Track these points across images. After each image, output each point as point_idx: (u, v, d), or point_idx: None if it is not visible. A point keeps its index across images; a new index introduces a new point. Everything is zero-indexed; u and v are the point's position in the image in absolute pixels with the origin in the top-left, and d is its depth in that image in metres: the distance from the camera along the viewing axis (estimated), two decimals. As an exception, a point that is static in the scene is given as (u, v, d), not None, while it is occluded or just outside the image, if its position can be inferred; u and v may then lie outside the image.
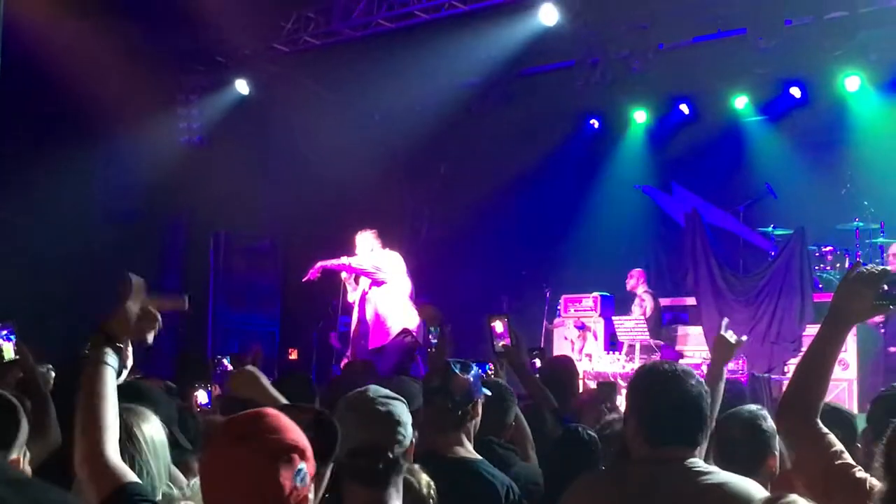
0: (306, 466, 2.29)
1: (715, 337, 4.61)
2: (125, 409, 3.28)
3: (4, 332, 5.66)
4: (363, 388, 3.37)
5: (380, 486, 3.16)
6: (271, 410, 2.37)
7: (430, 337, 7.49)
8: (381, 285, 11.36)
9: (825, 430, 3.03)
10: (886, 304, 2.98)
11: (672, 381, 3.36)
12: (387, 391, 3.36)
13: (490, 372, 5.95)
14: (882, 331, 10.74)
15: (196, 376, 6.92)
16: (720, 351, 4.54)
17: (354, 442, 3.11)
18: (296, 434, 2.31)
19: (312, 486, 2.34)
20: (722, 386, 4.28)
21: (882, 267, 3.02)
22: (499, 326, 5.89)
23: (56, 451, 4.08)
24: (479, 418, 4.21)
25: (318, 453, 2.37)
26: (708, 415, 3.42)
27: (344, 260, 11.39)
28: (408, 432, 3.25)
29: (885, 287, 2.95)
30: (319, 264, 11.46)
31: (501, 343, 5.89)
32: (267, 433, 2.27)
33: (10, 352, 5.57)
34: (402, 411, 3.28)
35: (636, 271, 13.28)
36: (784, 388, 3.22)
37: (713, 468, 3.32)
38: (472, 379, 4.18)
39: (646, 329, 12.36)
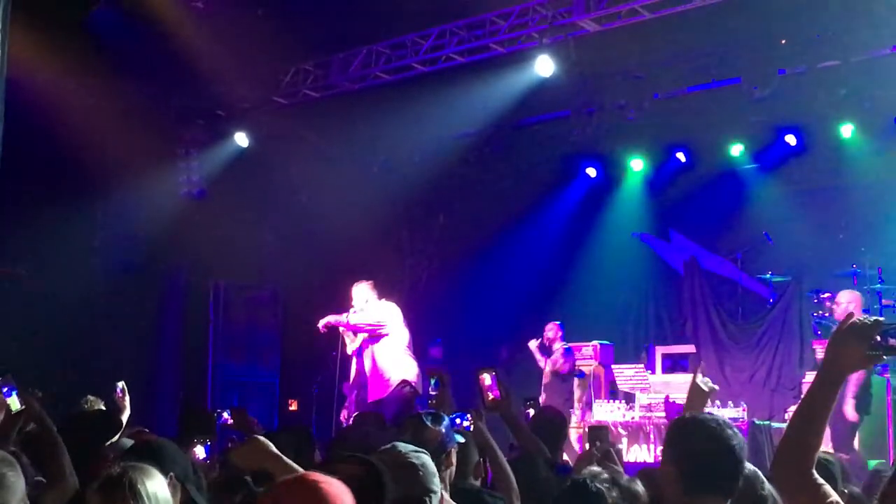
0: None
1: (690, 384, 4.66)
2: (130, 466, 3.31)
3: (5, 389, 5.67)
4: (390, 445, 3.41)
5: None
6: (312, 477, 2.40)
7: (431, 389, 7.51)
8: (380, 339, 11.30)
9: (821, 480, 3.04)
10: (878, 353, 2.99)
11: (713, 431, 3.44)
12: (413, 446, 3.41)
13: (467, 422, 5.96)
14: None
15: (199, 430, 6.90)
16: (694, 398, 4.59)
17: (393, 496, 3.16)
18: (336, 500, 2.34)
19: None
20: None
21: (874, 318, 3.04)
22: (486, 379, 5.89)
23: (74, 497, 4.07)
24: (453, 468, 4.26)
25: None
26: (745, 466, 3.47)
27: (343, 318, 11.33)
28: (437, 481, 3.31)
29: (878, 338, 2.98)
30: (325, 321, 11.40)
31: (491, 396, 5.89)
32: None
33: (16, 404, 5.58)
34: (430, 462, 3.34)
35: (554, 324, 13.24)
36: (778, 443, 3.24)
37: None
38: (443, 430, 4.25)
39: (646, 378, 12.36)
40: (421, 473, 3.27)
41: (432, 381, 6.80)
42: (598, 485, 4.45)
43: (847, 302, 10.79)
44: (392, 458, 3.32)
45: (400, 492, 3.19)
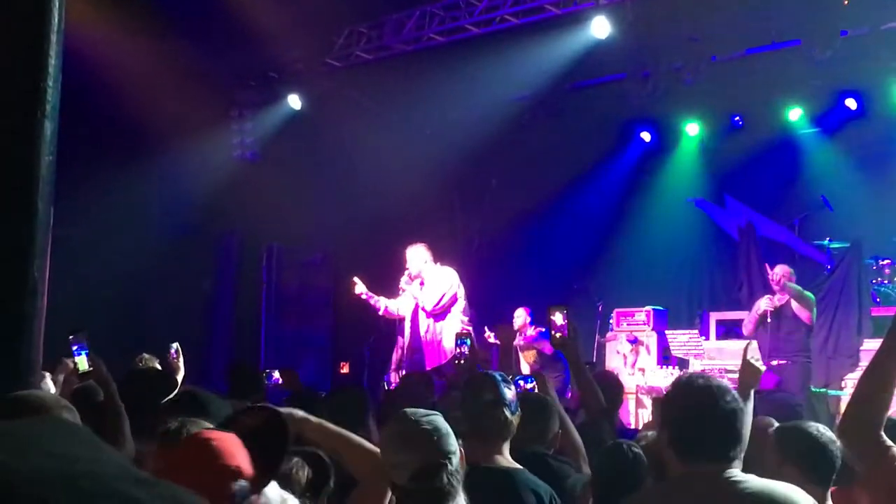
0: (244, 483, 2.35)
1: (742, 362, 4.58)
2: (188, 420, 3.31)
3: (76, 347, 5.72)
4: (398, 414, 3.37)
5: (449, 500, 3.16)
6: (203, 434, 2.46)
7: (462, 348, 7.49)
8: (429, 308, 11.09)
9: (890, 443, 2.98)
10: None
11: (706, 396, 3.28)
12: (422, 410, 3.37)
13: (530, 384, 5.94)
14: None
15: (248, 388, 6.93)
16: (746, 375, 4.51)
17: (411, 466, 3.13)
18: (228, 457, 2.36)
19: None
20: (750, 406, 4.22)
21: None
22: (558, 318, 5.86)
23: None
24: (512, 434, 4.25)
25: (262, 461, 2.41)
26: (742, 432, 3.34)
27: (381, 302, 11.20)
28: (454, 441, 3.27)
29: None
30: (364, 294, 11.24)
31: (559, 335, 5.87)
32: (198, 461, 2.35)
33: (84, 364, 5.62)
34: (444, 423, 3.30)
35: (524, 310, 12.38)
36: (846, 403, 3.17)
37: (749, 476, 3.25)
38: (515, 391, 4.25)
39: (699, 344, 12.25)
40: (435, 438, 3.21)
41: (467, 342, 6.79)
42: (634, 449, 4.41)
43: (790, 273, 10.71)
44: (403, 428, 3.27)
45: (417, 460, 3.15)
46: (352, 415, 5.64)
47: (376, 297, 11.23)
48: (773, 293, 10.87)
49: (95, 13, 11.39)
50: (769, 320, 10.68)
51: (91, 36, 11.62)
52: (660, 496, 3.46)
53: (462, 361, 7.01)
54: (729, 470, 3.21)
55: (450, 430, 3.28)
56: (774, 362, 10.35)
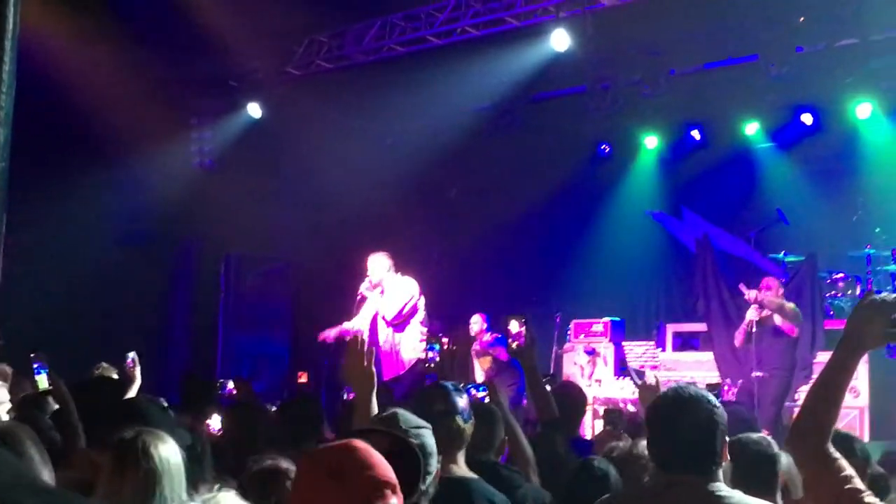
0: (396, 501, 2.29)
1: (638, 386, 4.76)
2: (144, 430, 3.31)
3: (36, 366, 5.72)
4: (390, 414, 3.36)
5: None
6: (360, 443, 2.35)
7: (432, 353, 7.50)
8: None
9: (837, 454, 3.03)
10: None
11: (683, 408, 3.34)
12: (416, 420, 3.36)
13: (483, 393, 5.94)
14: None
15: (201, 399, 6.90)
16: (644, 398, 4.72)
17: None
18: (385, 469, 2.30)
19: None
20: None
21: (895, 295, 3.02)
22: (515, 327, 5.89)
23: (83, 484, 4.05)
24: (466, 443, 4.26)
25: (402, 483, 2.35)
26: (719, 442, 3.37)
27: (346, 325, 11.15)
28: (435, 463, 3.25)
29: None
30: (322, 335, 11.19)
31: (516, 343, 5.89)
32: (360, 469, 2.27)
33: (43, 383, 5.63)
34: (432, 440, 3.29)
35: (480, 316, 12.31)
36: (796, 414, 3.22)
37: (734, 492, 3.31)
38: (468, 400, 4.27)
39: (656, 356, 12.33)
40: (420, 456, 3.19)
41: (435, 346, 6.80)
42: (602, 467, 4.45)
43: (776, 286, 10.79)
44: (390, 438, 3.25)
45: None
46: (306, 426, 5.62)
47: (337, 328, 11.17)
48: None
49: (53, 20, 11.30)
50: (754, 331, 10.73)
51: (49, 43, 11.53)
52: (647, 498, 3.50)
53: (432, 366, 7.01)
54: (713, 483, 3.28)
55: (434, 449, 3.27)
56: (757, 374, 10.44)
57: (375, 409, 3.88)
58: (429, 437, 3.28)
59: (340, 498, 2.22)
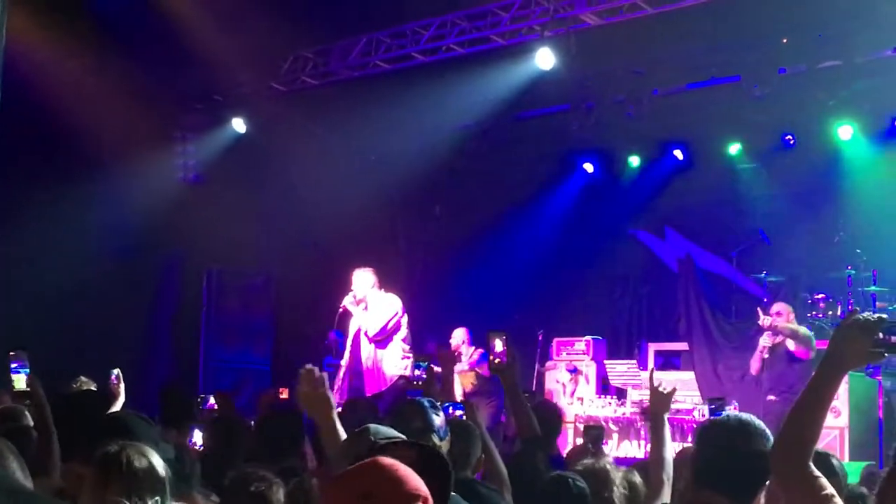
0: None
1: (650, 391, 4.79)
2: (127, 444, 3.30)
3: (15, 364, 5.63)
4: (362, 428, 3.36)
5: None
6: (386, 460, 2.33)
7: (419, 372, 7.50)
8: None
9: (817, 473, 3.05)
10: (881, 350, 3.00)
11: (726, 433, 3.51)
12: (387, 431, 3.35)
13: (460, 411, 5.94)
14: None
15: (180, 414, 6.86)
16: (655, 403, 4.72)
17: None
18: (415, 481, 2.29)
19: None
20: (666, 433, 4.67)
21: (878, 315, 3.04)
22: (498, 344, 5.91)
23: (57, 492, 4.03)
24: None
25: (433, 491, 2.33)
26: (761, 474, 3.44)
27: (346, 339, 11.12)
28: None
29: (881, 335, 2.98)
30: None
31: (497, 360, 5.90)
32: (390, 487, 2.25)
33: (21, 383, 5.53)
34: None
35: (463, 330, 12.27)
36: (776, 435, 3.24)
37: None
38: (444, 417, 4.27)
39: (638, 374, 12.34)
40: (449, 463, 3.19)
41: (421, 365, 6.79)
42: (578, 483, 4.46)
43: (787, 312, 10.78)
44: (417, 448, 3.25)
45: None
46: (286, 441, 5.59)
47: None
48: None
49: (39, 33, 11.29)
50: (766, 356, 10.71)
51: (34, 56, 11.53)
52: None
53: (419, 384, 7.00)
54: None
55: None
56: (771, 398, 10.42)
57: (340, 429, 3.86)
58: None
59: None
